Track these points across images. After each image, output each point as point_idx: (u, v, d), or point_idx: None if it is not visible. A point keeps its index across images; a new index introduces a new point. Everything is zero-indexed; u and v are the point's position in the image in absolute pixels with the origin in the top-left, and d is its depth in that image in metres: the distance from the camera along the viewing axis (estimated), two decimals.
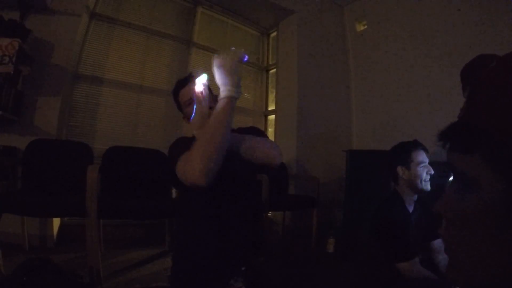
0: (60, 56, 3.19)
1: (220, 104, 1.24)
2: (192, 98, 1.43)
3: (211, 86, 1.42)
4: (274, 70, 5.28)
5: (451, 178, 0.47)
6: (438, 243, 1.90)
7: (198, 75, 1.36)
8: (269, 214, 3.99)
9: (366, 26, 5.09)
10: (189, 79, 1.50)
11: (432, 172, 1.84)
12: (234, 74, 1.24)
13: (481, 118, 0.40)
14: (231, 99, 1.24)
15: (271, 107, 5.24)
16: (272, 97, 5.27)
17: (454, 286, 0.46)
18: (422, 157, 1.87)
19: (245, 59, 1.26)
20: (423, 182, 1.83)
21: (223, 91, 1.24)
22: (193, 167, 1.14)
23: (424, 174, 1.83)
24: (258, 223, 1.52)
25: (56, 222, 3.09)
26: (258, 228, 1.48)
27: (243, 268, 1.30)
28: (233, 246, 1.30)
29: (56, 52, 3.18)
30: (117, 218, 2.85)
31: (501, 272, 0.38)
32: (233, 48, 1.26)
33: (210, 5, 4.72)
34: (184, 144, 1.33)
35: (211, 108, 1.34)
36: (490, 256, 0.39)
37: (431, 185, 1.85)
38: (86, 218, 2.33)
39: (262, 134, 1.61)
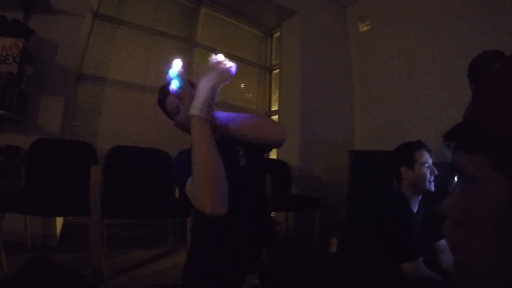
0: (63, 56, 3.20)
1: (193, 127, 1.12)
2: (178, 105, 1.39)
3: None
4: (277, 70, 5.28)
5: (455, 179, 0.46)
6: (442, 243, 1.89)
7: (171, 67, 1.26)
8: (272, 214, 3.99)
9: (369, 27, 5.09)
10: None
11: (436, 172, 1.83)
12: (213, 94, 1.14)
13: (486, 119, 0.39)
14: (200, 119, 1.11)
15: (274, 107, 5.24)
16: (275, 97, 5.27)
17: (460, 287, 0.46)
18: (425, 157, 1.86)
19: (233, 73, 1.16)
20: (427, 183, 1.83)
21: (194, 107, 1.12)
22: (205, 205, 1.09)
23: (428, 174, 1.83)
24: (267, 217, 1.48)
25: (59, 221, 3.09)
26: (267, 222, 1.45)
27: (257, 265, 1.30)
28: (245, 243, 1.29)
29: (60, 52, 3.19)
30: (120, 217, 2.85)
31: (507, 273, 0.38)
32: (231, 65, 1.16)
33: (213, 5, 4.73)
34: (186, 161, 1.25)
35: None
36: (496, 256, 0.39)
37: (434, 185, 1.84)
38: (89, 217, 2.34)
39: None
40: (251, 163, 1.36)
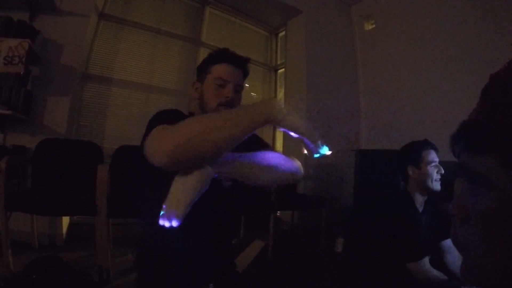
0: (69, 56, 3.21)
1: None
2: (241, 85, 1.32)
3: None
4: (283, 69, 5.27)
5: (462, 179, 0.46)
6: (448, 243, 1.88)
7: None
8: (277, 213, 3.98)
9: (374, 25, 5.07)
10: (242, 62, 1.34)
11: (443, 171, 1.82)
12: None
13: (496, 118, 0.39)
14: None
15: None
16: (280, 96, 5.25)
17: (469, 286, 0.45)
18: (432, 156, 1.85)
19: None
20: (433, 182, 1.81)
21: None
22: (164, 149, 0.92)
23: (435, 173, 1.81)
24: (225, 246, 1.34)
25: (65, 220, 3.11)
26: (224, 251, 1.32)
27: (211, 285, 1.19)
28: (198, 265, 1.17)
29: (65, 52, 3.20)
30: (126, 217, 2.85)
31: None
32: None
33: (218, 5, 4.73)
34: (171, 115, 1.15)
35: None
36: (505, 256, 0.38)
37: (441, 184, 1.83)
38: (95, 217, 2.35)
39: (266, 145, 1.43)
40: (236, 188, 1.25)
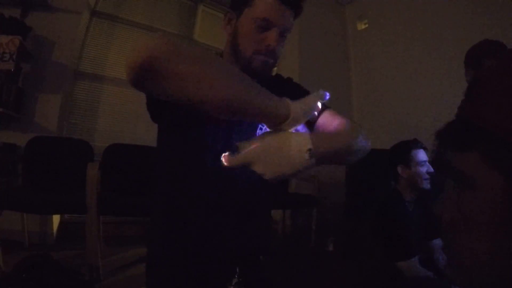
0: (60, 53, 3.19)
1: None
2: (289, 29, 1.02)
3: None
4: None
5: (447, 178, 0.46)
6: (438, 242, 1.90)
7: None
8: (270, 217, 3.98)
9: (367, 25, 5.08)
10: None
11: (432, 170, 1.84)
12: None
13: (480, 116, 0.39)
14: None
15: None
16: None
17: (453, 285, 0.46)
18: (422, 156, 1.87)
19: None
20: (423, 181, 1.84)
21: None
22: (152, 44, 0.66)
23: (424, 173, 1.84)
24: (263, 224, 1.16)
25: (56, 219, 3.09)
26: (261, 230, 1.13)
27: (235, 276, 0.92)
28: (220, 257, 1.00)
29: (57, 49, 3.18)
30: (117, 215, 2.84)
31: (499, 272, 0.38)
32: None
33: (211, 3, 4.71)
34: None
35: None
36: (488, 255, 0.39)
37: (430, 184, 1.85)
38: (86, 215, 2.34)
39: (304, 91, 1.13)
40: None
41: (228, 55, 1.05)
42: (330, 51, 5.07)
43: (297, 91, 1.10)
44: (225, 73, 0.71)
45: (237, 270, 0.89)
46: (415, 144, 1.91)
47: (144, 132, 3.83)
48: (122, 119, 3.81)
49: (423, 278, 1.63)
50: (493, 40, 1.88)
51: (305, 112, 0.78)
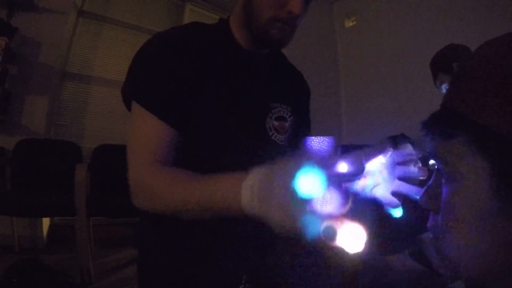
0: (47, 54, 3.16)
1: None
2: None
3: None
4: None
5: (433, 170, 0.47)
6: (427, 235, 1.92)
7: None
8: None
9: (355, 22, 5.10)
10: None
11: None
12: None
13: (462, 104, 0.39)
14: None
15: None
16: None
17: (442, 278, 0.46)
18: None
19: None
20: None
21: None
22: (144, 200, 0.85)
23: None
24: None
25: (46, 223, 3.06)
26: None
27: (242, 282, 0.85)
28: (235, 253, 0.89)
29: (44, 50, 3.15)
30: (107, 216, 2.83)
31: (492, 264, 0.38)
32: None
33: (198, 2, 4.69)
34: (159, 75, 0.84)
35: None
36: (476, 245, 0.38)
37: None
38: (75, 217, 2.32)
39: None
40: (295, 138, 0.90)
41: (239, 20, 0.93)
42: (318, 49, 5.07)
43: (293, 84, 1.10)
44: (170, 190, 0.77)
45: (244, 277, 0.82)
46: (402, 139, 1.92)
47: None
48: (111, 119, 3.77)
49: (413, 271, 1.64)
50: (458, 44, 1.96)
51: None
